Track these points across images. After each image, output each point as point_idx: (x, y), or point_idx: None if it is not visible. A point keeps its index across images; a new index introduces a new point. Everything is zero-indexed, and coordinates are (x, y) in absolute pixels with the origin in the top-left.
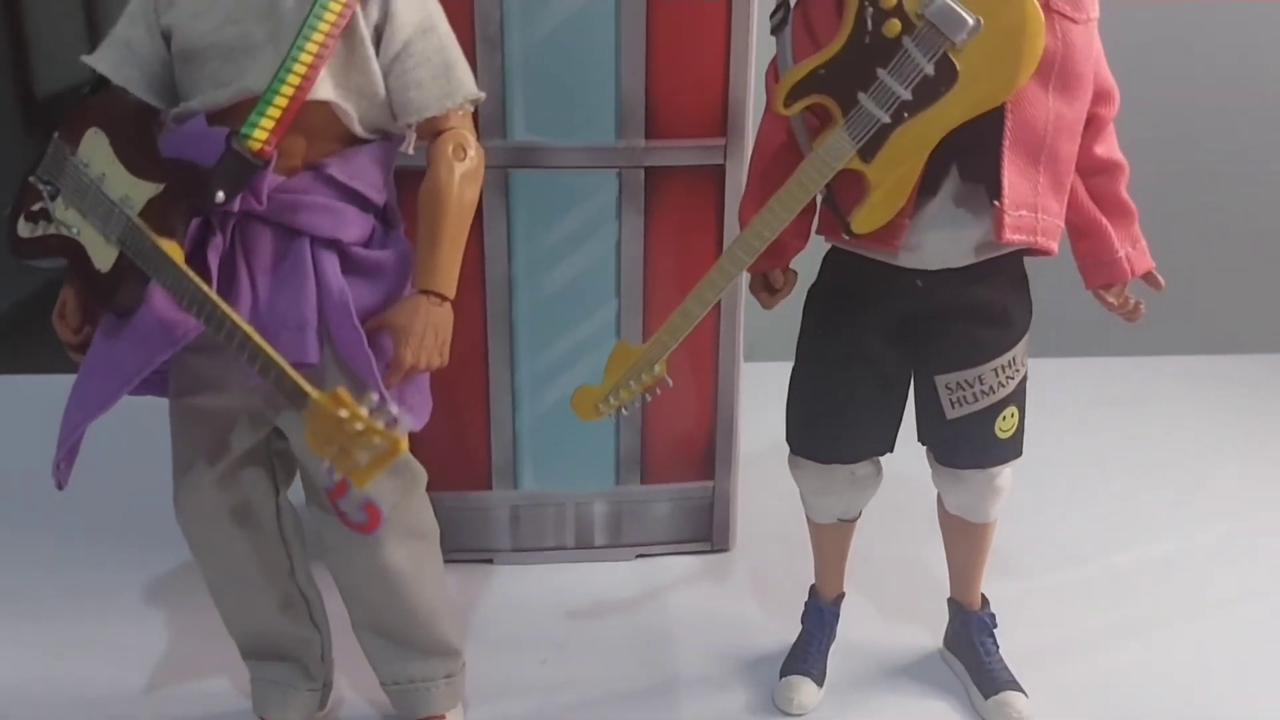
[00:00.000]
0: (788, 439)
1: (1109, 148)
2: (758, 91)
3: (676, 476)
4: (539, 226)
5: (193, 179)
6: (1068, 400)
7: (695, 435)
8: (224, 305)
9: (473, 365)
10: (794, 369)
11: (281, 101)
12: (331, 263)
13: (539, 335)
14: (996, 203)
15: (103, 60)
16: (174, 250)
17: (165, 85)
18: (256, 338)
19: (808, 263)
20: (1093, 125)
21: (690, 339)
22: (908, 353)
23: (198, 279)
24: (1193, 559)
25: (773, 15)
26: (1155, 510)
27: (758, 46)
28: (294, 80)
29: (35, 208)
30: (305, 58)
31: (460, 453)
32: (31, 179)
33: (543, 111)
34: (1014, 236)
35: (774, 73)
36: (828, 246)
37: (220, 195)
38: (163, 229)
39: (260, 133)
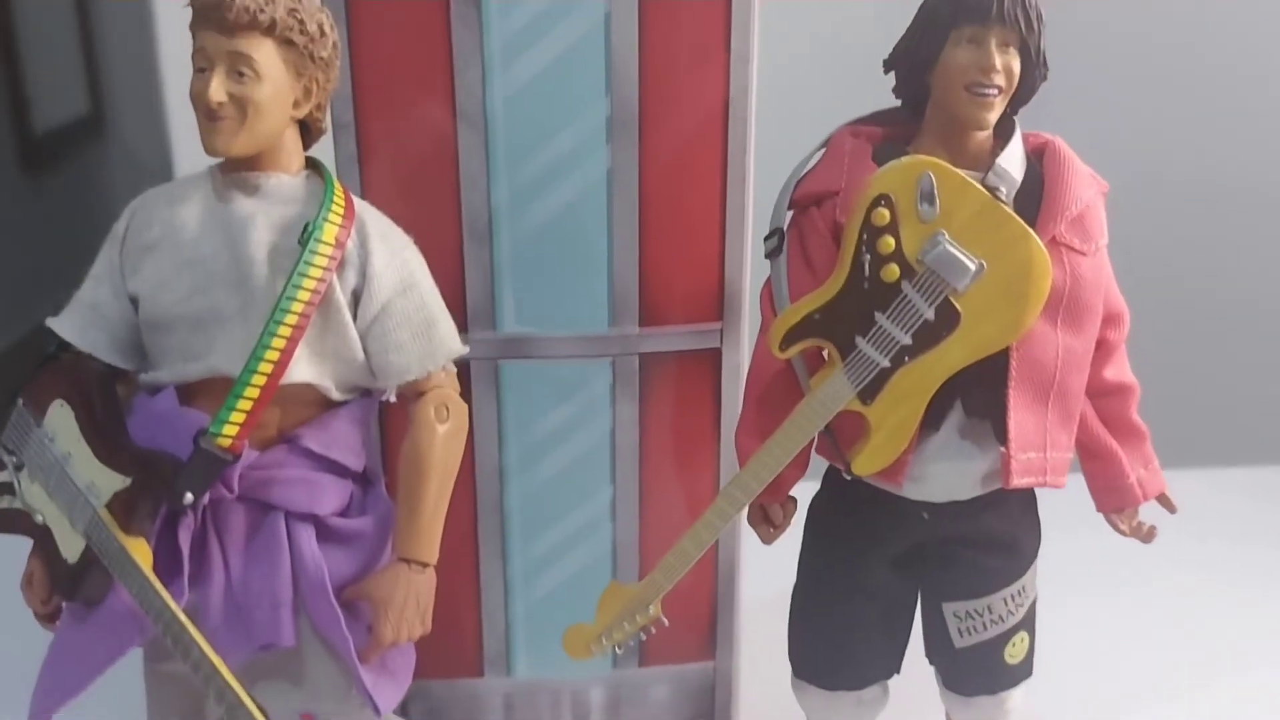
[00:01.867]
0: (790, 659)
1: (1119, 370)
2: (755, 271)
3: (676, 657)
4: (530, 416)
5: (160, 476)
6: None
7: (695, 613)
8: (191, 627)
9: (463, 556)
10: (795, 587)
11: (253, 393)
12: (308, 535)
13: (532, 524)
14: (1003, 448)
15: (68, 325)
16: (141, 551)
17: (134, 347)
18: (221, 667)
19: None
20: (1102, 349)
21: (692, 510)
22: (913, 578)
23: (165, 593)
24: None
25: (767, 239)
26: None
27: (754, 227)
28: (266, 369)
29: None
30: (278, 342)
31: (451, 640)
32: None
33: (533, 302)
34: (1022, 481)
35: (769, 296)
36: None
37: (188, 497)
38: (130, 526)
39: (231, 428)
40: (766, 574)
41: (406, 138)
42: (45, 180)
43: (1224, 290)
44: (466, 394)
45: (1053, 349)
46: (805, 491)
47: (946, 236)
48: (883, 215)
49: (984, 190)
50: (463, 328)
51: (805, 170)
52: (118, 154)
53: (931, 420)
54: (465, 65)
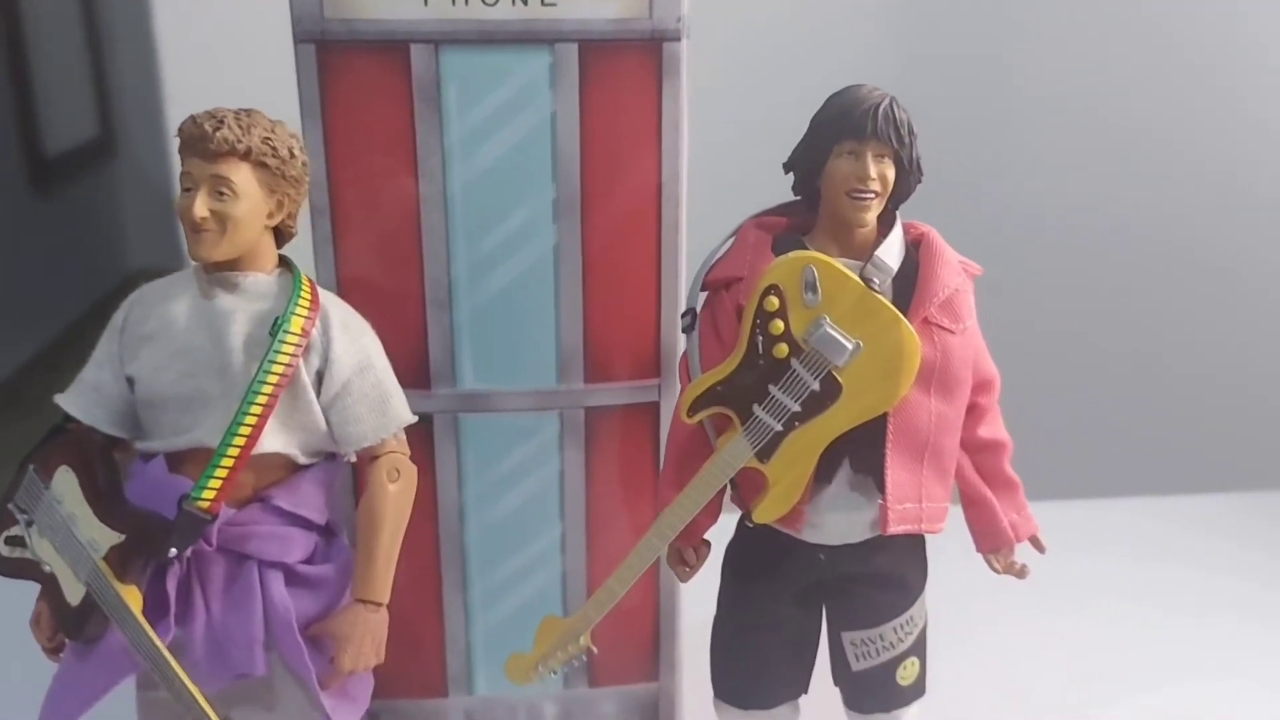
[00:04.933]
0: (712, 681)
1: (992, 429)
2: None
3: (623, 678)
4: (487, 462)
5: (150, 534)
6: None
7: (639, 637)
8: (174, 662)
9: (428, 585)
10: (715, 618)
11: (229, 462)
12: (277, 582)
13: (489, 557)
14: (881, 500)
15: (73, 402)
16: (133, 596)
17: (130, 419)
18: (199, 697)
19: None
20: (975, 411)
21: (634, 545)
22: (816, 610)
23: (152, 633)
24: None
25: (683, 316)
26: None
27: (686, 293)
28: (240, 441)
29: (13, 533)
30: (250, 419)
31: (417, 663)
32: (10, 507)
33: (489, 361)
34: (899, 528)
35: (685, 366)
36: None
37: (173, 552)
38: (123, 575)
39: (209, 493)
40: (704, 602)
41: (376, 219)
42: (55, 200)
43: (1164, 328)
44: (429, 443)
45: (926, 415)
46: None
47: (828, 321)
48: (773, 302)
49: (860, 281)
50: (426, 384)
51: (716, 257)
52: (125, 175)
53: (824, 475)
54: (428, 156)
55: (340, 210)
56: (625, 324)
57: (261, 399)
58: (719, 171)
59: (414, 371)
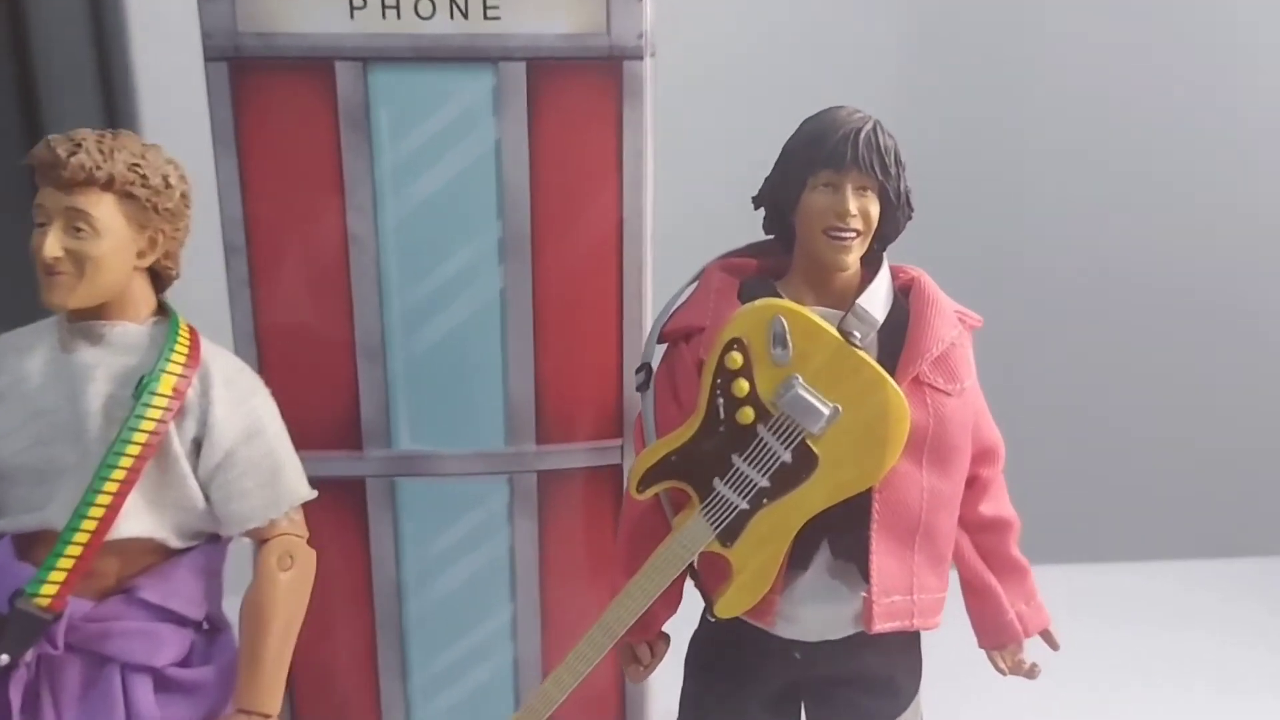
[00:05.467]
0: None
1: (996, 505)
2: None
3: None
4: (428, 533)
5: None
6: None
7: (602, 715)
8: None
9: (363, 673)
10: (678, 718)
11: (75, 550)
12: (144, 688)
13: (431, 641)
14: (864, 593)
15: None
16: None
17: None
18: None
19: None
20: (976, 485)
21: (597, 615)
22: (792, 716)
23: None
24: None
25: (637, 372)
26: None
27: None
28: (90, 525)
29: None
30: (103, 498)
31: None
32: None
33: (428, 419)
34: (885, 626)
35: (639, 430)
36: None
37: (4, 658)
38: None
39: (50, 588)
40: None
41: (299, 259)
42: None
43: (1177, 389)
44: (362, 511)
45: (917, 491)
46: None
47: (800, 381)
48: (736, 359)
49: (837, 334)
50: (357, 445)
51: (676, 305)
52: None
53: (799, 560)
54: (356, 188)
55: (258, 249)
56: (582, 378)
57: (118, 473)
58: (689, 206)
59: (344, 431)
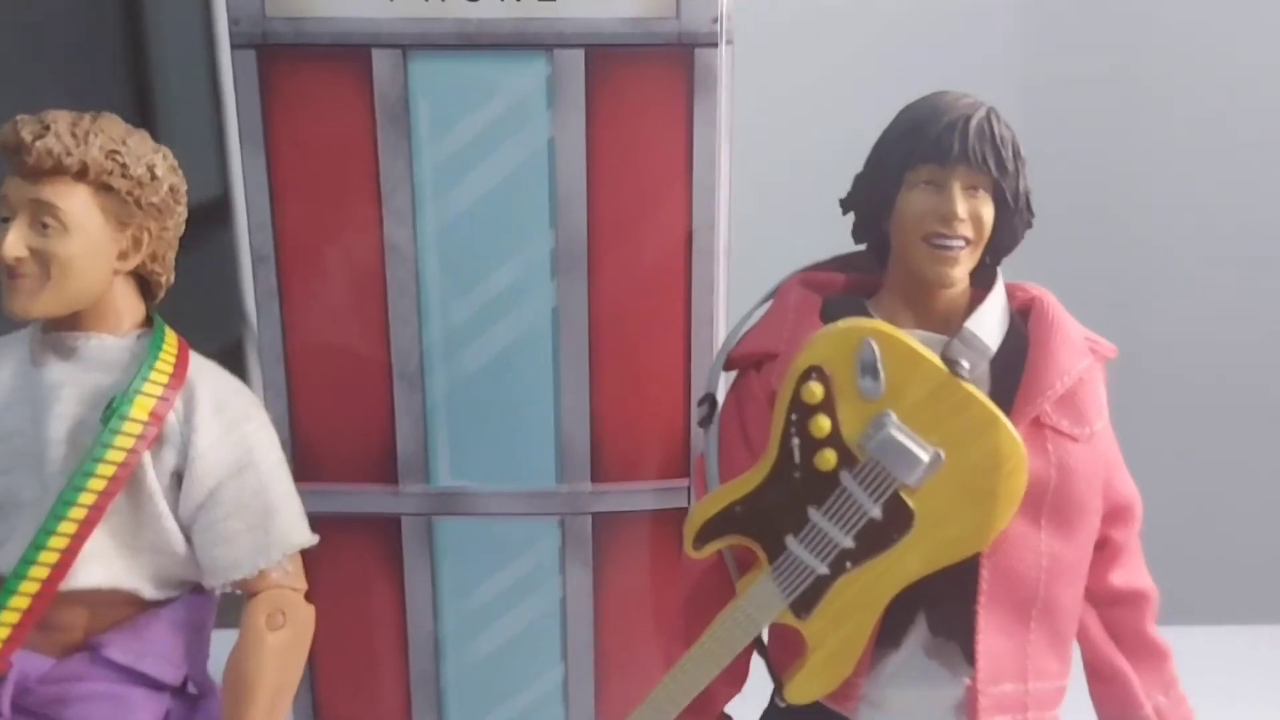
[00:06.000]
0: None
1: (1130, 574)
2: None
3: None
4: (470, 581)
5: None
6: None
7: None
8: None
9: None
10: None
11: (22, 602)
12: None
13: (471, 704)
14: (968, 679)
15: None
16: None
17: None
18: None
19: None
20: (1106, 550)
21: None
22: None
23: None
24: None
25: (700, 404)
26: None
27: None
28: (41, 573)
29: None
30: (58, 541)
31: None
32: None
33: (470, 453)
34: None
35: (700, 473)
36: None
37: None
38: None
39: None
40: None
41: (331, 271)
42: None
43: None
44: (396, 554)
45: (1034, 557)
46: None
47: (894, 419)
48: (815, 391)
49: (940, 364)
50: (392, 479)
51: (748, 325)
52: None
53: (890, 636)
54: (394, 191)
55: (287, 258)
56: (645, 408)
57: (76, 511)
58: (768, 213)
59: (377, 463)
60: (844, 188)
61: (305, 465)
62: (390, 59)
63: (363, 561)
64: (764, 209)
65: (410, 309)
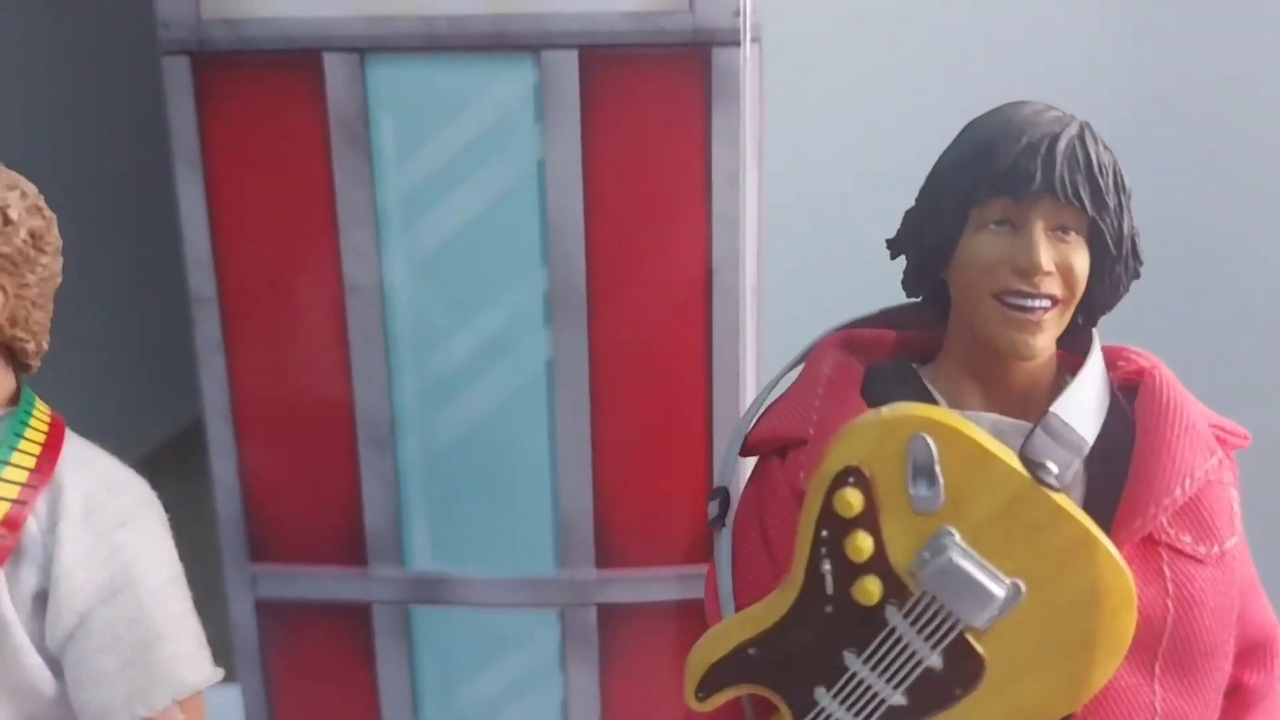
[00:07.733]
0: None
1: None
2: None
3: None
4: (454, 680)
5: None
6: None
7: None
8: None
9: None
10: None
11: None
12: None
13: None
14: None
15: None
16: None
17: None
18: None
19: None
20: (1238, 699)
21: None
22: None
23: None
24: None
25: (710, 498)
26: None
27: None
28: None
29: None
30: None
31: None
32: None
33: (452, 531)
34: None
35: (711, 589)
36: None
37: None
38: None
39: None
40: None
41: (283, 316)
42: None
43: None
44: (367, 646)
45: (1147, 714)
46: None
47: (957, 539)
48: (851, 501)
49: (1019, 466)
50: (360, 560)
51: (769, 399)
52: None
53: None
54: (354, 224)
55: (231, 301)
56: (659, 480)
57: None
58: (805, 248)
59: (343, 541)
60: (890, 215)
61: (259, 543)
62: (345, 65)
63: (330, 655)
64: (797, 240)
65: (378, 361)
